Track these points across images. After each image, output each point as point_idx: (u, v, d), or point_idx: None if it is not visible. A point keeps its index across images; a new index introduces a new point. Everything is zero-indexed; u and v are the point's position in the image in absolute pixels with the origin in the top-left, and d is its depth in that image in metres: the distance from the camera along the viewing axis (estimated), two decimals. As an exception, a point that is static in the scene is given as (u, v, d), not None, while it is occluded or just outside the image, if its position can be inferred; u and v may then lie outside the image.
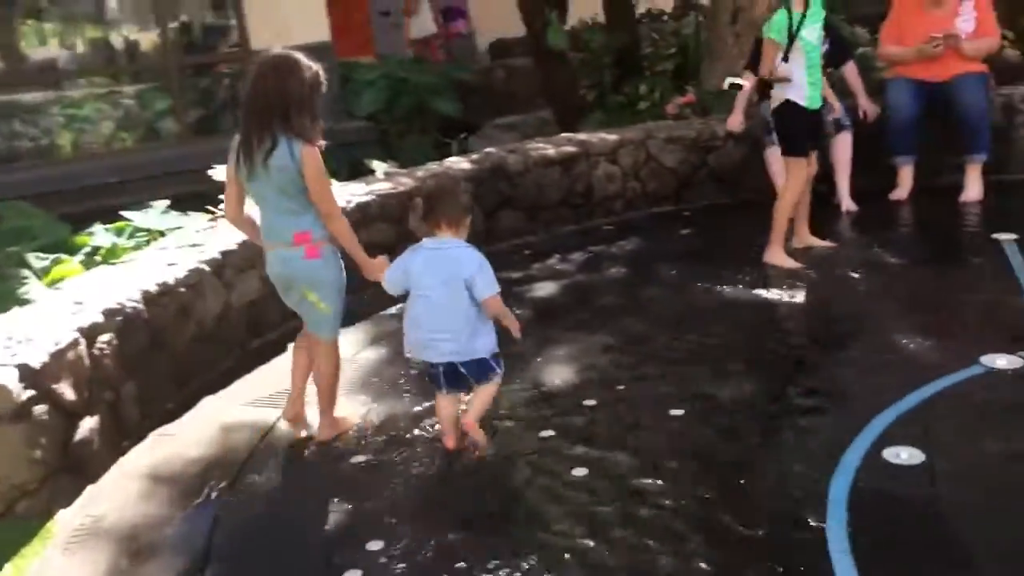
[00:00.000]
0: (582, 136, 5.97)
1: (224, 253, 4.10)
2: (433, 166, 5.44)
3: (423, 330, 3.11)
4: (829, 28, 5.72)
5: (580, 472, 3.02)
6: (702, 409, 3.38)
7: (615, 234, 5.62)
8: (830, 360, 3.75)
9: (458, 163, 5.50)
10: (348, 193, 4.89)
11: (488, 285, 3.06)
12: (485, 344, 3.12)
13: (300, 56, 3.16)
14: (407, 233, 5.01)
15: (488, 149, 5.79)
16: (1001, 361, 3.51)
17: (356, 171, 7.30)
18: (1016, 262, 4.48)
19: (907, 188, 5.64)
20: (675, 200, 6.02)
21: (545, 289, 4.84)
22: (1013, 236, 4.77)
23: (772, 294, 4.41)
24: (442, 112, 8.56)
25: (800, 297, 4.35)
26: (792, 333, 4.05)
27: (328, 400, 3.38)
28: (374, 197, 4.87)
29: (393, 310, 4.61)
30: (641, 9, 12.18)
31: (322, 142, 3.16)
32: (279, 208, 3.15)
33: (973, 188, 5.53)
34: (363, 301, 4.75)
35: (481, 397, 3.20)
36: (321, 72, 3.21)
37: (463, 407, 3.26)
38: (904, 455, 2.97)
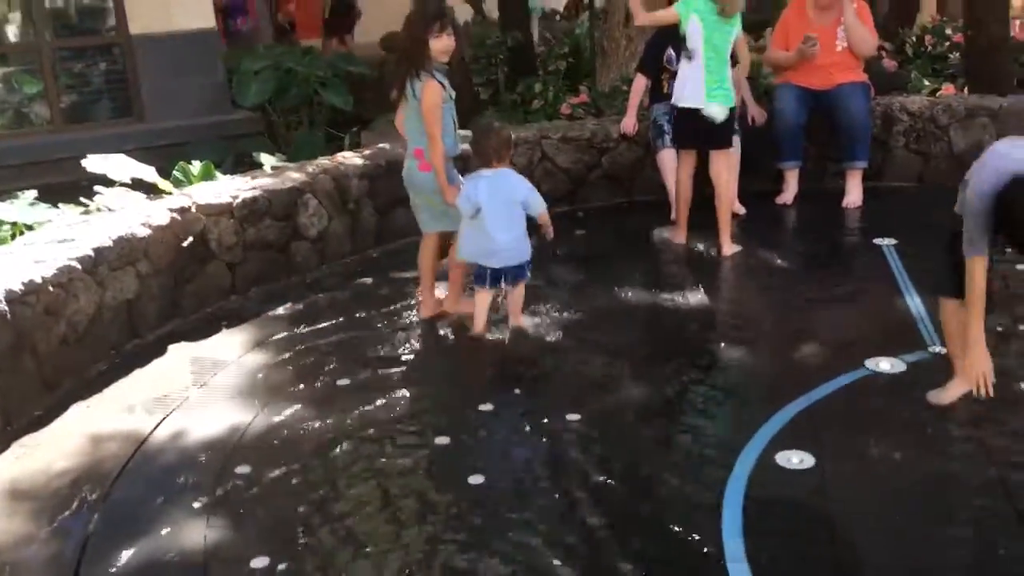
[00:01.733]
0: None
1: (97, 250, 3.85)
2: (324, 161, 5.26)
3: (496, 243, 3.88)
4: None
5: (476, 480, 2.95)
6: (597, 414, 3.36)
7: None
8: (722, 364, 3.79)
9: (351, 158, 5.33)
10: (233, 188, 4.68)
11: (539, 203, 3.96)
12: (528, 246, 3.99)
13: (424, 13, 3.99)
14: (297, 229, 4.88)
15: (381, 145, 5.63)
16: (884, 364, 3.61)
17: (243, 164, 7.05)
18: (896, 266, 4.63)
19: (792, 192, 5.78)
20: (569, 200, 6.00)
21: (440, 291, 4.73)
22: (893, 241, 4.93)
23: (664, 296, 4.44)
24: (333, 105, 8.34)
25: (692, 300, 4.39)
26: (685, 336, 4.06)
27: (426, 281, 4.26)
28: (261, 192, 4.68)
29: (280, 311, 4.46)
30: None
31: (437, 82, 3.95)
32: (410, 128, 4.08)
33: (853, 193, 5.71)
34: (249, 301, 4.59)
35: (515, 298, 4.07)
36: (439, 25, 3.92)
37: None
38: (795, 459, 3.01)
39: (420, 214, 4.24)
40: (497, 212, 3.85)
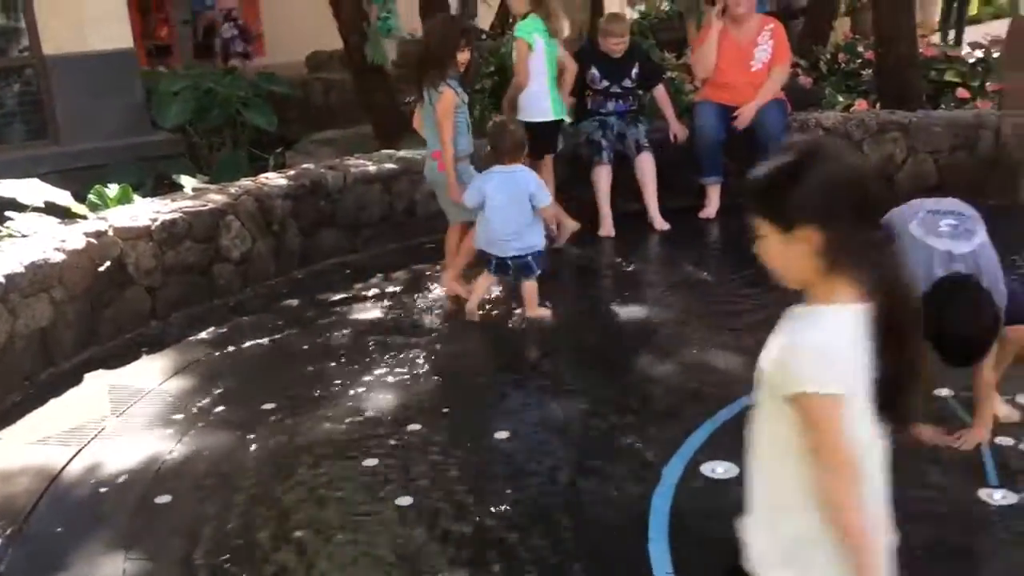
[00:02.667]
0: (403, 153, 5.87)
1: (8, 276, 3.72)
2: (247, 182, 5.19)
3: (495, 232, 4.21)
4: (639, 52, 5.96)
5: (404, 501, 2.93)
6: (526, 431, 3.36)
7: (439, 253, 5.54)
8: (648, 378, 3.82)
9: (274, 179, 5.26)
10: (152, 210, 4.57)
11: (545, 197, 4.28)
12: (537, 239, 4.28)
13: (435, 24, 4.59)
14: (219, 252, 4.79)
15: (306, 165, 5.58)
16: (805, 374, 3.68)
17: (163, 186, 6.91)
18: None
19: (715, 207, 5.89)
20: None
21: (366, 311, 4.69)
22: (810, 253, 5.04)
23: (589, 310, 4.47)
24: (256, 125, 8.24)
25: (620, 315, 4.43)
26: (613, 351, 4.09)
27: (449, 263, 4.62)
28: (181, 215, 4.58)
29: (203, 335, 4.36)
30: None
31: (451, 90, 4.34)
32: (428, 131, 4.47)
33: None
34: (170, 326, 4.49)
35: (527, 291, 4.34)
36: (465, 40, 4.43)
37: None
38: (720, 469, 3.05)
39: (445, 207, 4.61)
40: (504, 205, 4.19)
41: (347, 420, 3.50)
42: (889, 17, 6.44)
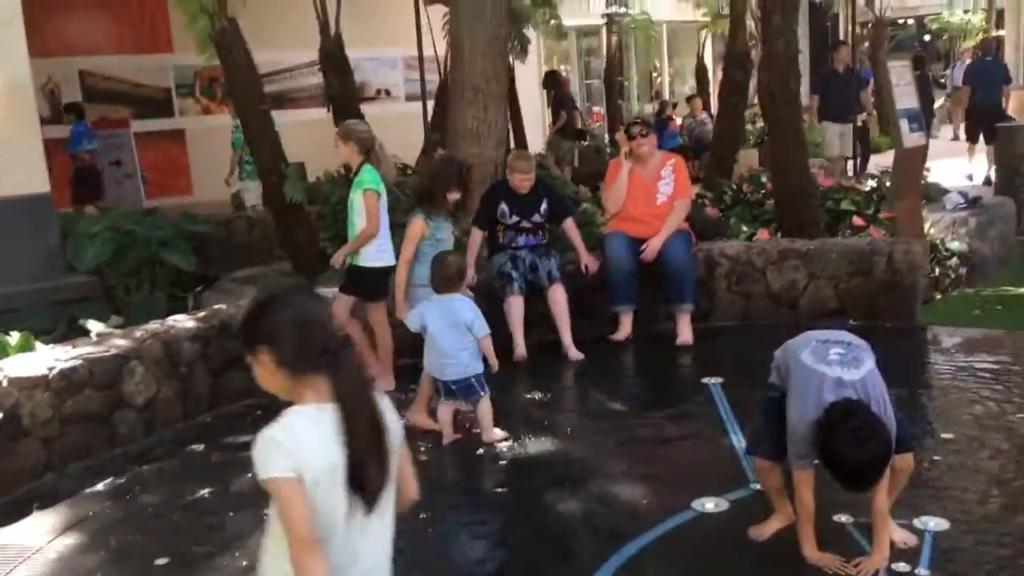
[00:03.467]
0: (320, 290, 5.88)
1: None
2: (153, 325, 5.13)
3: (435, 356, 4.43)
4: (545, 187, 6.16)
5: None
6: (424, 571, 3.29)
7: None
8: (550, 512, 3.78)
9: (183, 321, 5.22)
10: (51, 359, 4.48)
11: (481, 327, 4.43)
12: (475, 362, 4.42)
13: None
14: (122, 398, 4.69)
15: (216, 306, 5.56)
16: (710, 504, 3.70)
17: (76, 331, 6.77)
18: (722, 404, 4.82)
19: (626, 332, 6.00)
20: (414, 354, 6.01)
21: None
22: (719, 379, 5.15)
23: (503, 448, 4.44)
24: (175, 265, 8.20)
25: (522, 446, 4.42)
26: (514, 484, 4.06)
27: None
28: (81, 361, 4.49)
29: (100, 487, 4.22)
30: (399, 162, 12.58)
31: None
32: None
33: (684, 334, 5.97)
34: (65, 479, 4.33)
35: (481, 413, 4.48)
36: (444, 177, 5.07)
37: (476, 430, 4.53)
38: (623, 609, 3.01)
39: None
40: (445, 333, 4.41)
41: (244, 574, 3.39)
42: (781, 150, 6.80)
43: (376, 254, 5.14)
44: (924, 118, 7.09)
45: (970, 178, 10.87)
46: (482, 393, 4.46)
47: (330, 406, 1.83)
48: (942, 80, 18.60)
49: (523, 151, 6.44)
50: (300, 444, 1.80)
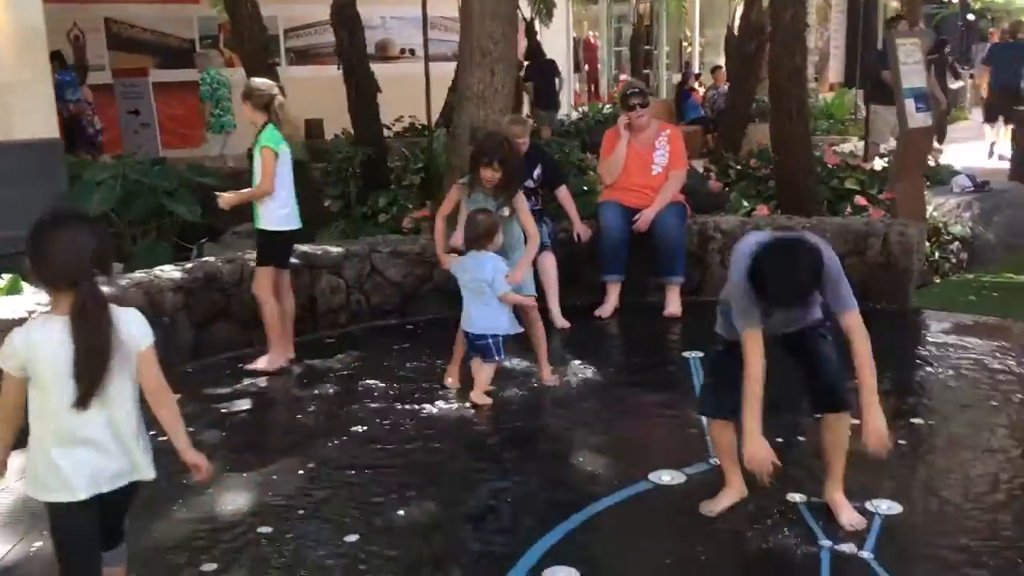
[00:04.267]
0: (305, 248, 5.92)
1: None
2: (139, 274, 5.19)
3: (464, 311, 4.61)
4: (541, 154, 6.13)
5: (234, 608, 2.87)
6: (376, 533, 3.33)
7: (335, 347, 5.57)
8: (509, 478, 3.81)
9: (168, 271, 5.28)
10: (33, 303, 4.55)
11: (500, 286, 4.49)
12: (495, 323, 4.52)
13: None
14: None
15: (204, 258, 5.61)
16: (666, 477, 3.70)
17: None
18: (697, 379, 4.80)
19: (612, 305, 5.98)
20: (400, 313, 6.07)
21: (250, 406, 4.68)
22: (700, 354, 5.12)
23: (471, 411, 4.47)
24: (180, 216, 8.26)
25: (496, 415, 4.44)
26: (481, 451, 4.09)
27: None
28: (62, 307, 4.56)
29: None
30: (404, 123, 12.56)
31: None
32: None
33: (672, 305, 5.95)
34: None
35: (479, 373, 4.58)
36: (487, 160, 4.65)
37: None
38: (561, 575, 3.04)
39: None
40: (469, 288, 4.56)
41: (192, 523, 3.45)
42: (784, 126, 6.70)
43: (279, 217, 5.00)
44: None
45: (1000, 157, 10.62)
46: (497, 358, 4.56)
47: (62, 316, 2.36)
48: (964, 68, 18.19)
49: (518, 115, 6.38)
50: (31, 345, 2.36)
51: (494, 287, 4.50)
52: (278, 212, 4.99)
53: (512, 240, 4.73)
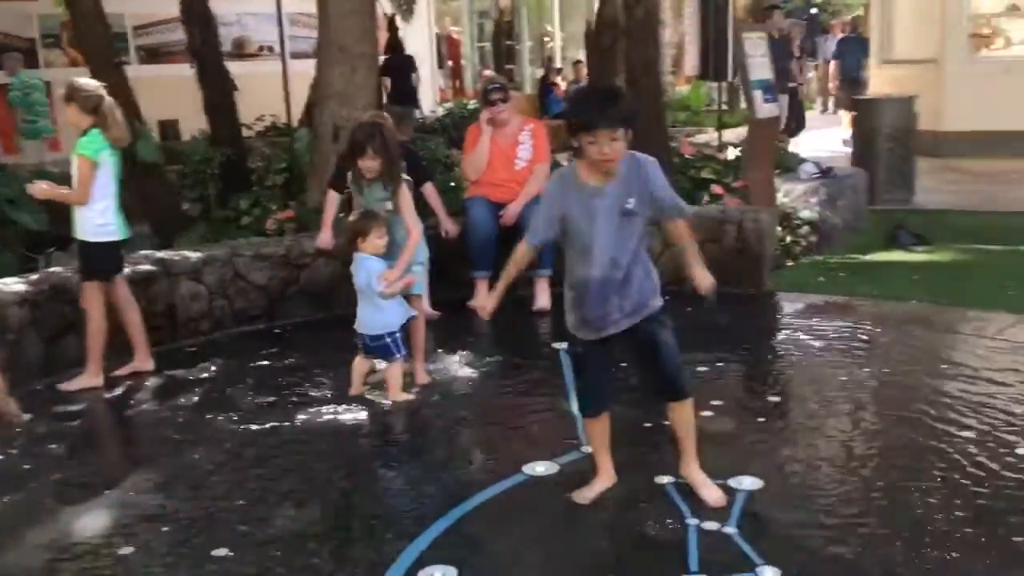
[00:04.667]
0: (161, 254, 5.70)
1: None
2: (-21, 288, 4.88)
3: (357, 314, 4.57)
4: (405, 150, 6.07)
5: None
6: (247, 548, 3.24)
7: (198, 356, 5.38)
8: (382, 482, 3.78)
9: (11, 284, 4.97)
10: None
11: (379, 284, 4.44)
12: (387, 318, 4.50)
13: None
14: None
15: (52, 268, 5.32)
16: (540, 468, 3.74)
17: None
18: (568, 370, 4.88)
19: (482, 298, 6.00)
20: (267, 318, 5.92)
21: (105, 420, 4.47)
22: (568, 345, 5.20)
23: (341, 416, 4.40)
24: (24, 225, 7.80)
25: (365, 416, 4.40)
26: (352, 459, 4.01)
27: None
28: None
29: None
30: (266, 123, 12.24)
31: None
32: None
33: (542, 298, 6.03)
34: None
35: (389, 376, 4.56)
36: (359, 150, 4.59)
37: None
38: (438, 574, 3.03)
39: None
40: (358, 290, 4.54)
41: (45, 547, 3.28)
42: (641, 119, 6.87)
43: (97, 227, 4.77)
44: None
45: (844, 142, 11.26)
46: (397, 355, 4.54)
47: None
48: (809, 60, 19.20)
49: (379, 111, 6.30)
50: None
51: (372, 288, 4.47)
52: (95, 222, 4.76)
53: (398, 237, 4.68)
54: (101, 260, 4.86)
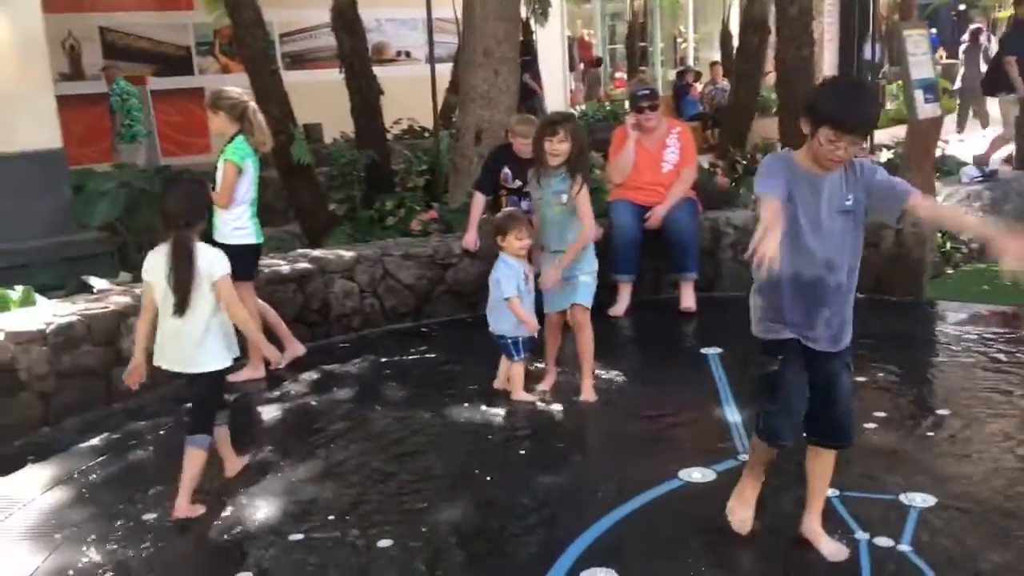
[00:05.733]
0: (317, 252, 5.89)
1: None
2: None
3: None
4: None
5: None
6: (410, 539, 3.31)
7: (351, 352, 5.54)
8: (540, 481, 3.77)
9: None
10: (50, 314, 4.52)
11: (506, 288, 4.45)
12: (503, 326, 4.53)
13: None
14: (120, 354, 4.73)
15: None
16: (696, 474, 3.69)
17: (88, 286, 6.83)
18: (719, 375, 4.79)
19: (625, 304, 5.96)
20: (414, 316, 6.05)
21: (271, 412, 4.65)
22: (718, 350, 5.12)
23: (495, 416, 4.44)
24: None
25: (521, 419, 4.42)
26: (507, 456, 4.04)
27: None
28: (79, 317, 4.53)
29: (95, 442, 4.28)
30: (403, 126, 12.56)
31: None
32: None
33: (687, 300, 5.94)
34: (62, 433, 4.39)
35: (512, 376, 4.61)
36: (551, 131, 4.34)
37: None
38: (602, 574, 3.02)
39: None
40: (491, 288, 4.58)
41: (225, 528, 3.43)
42: (793, 120, 6.68)
43: (231, 231, 4.84)
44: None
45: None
46: (516, 357, 4.55)
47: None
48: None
49: (526, 115, 6.34)
50: (149, 265, 3.49)
51: (500, 290, 4.48)
52: (233, 226, 4.86)
53: (570, 237, 4.41)
54: (236, 262, 4.95)
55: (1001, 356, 4.89)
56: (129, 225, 8.25)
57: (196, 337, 3.45)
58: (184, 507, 3.51)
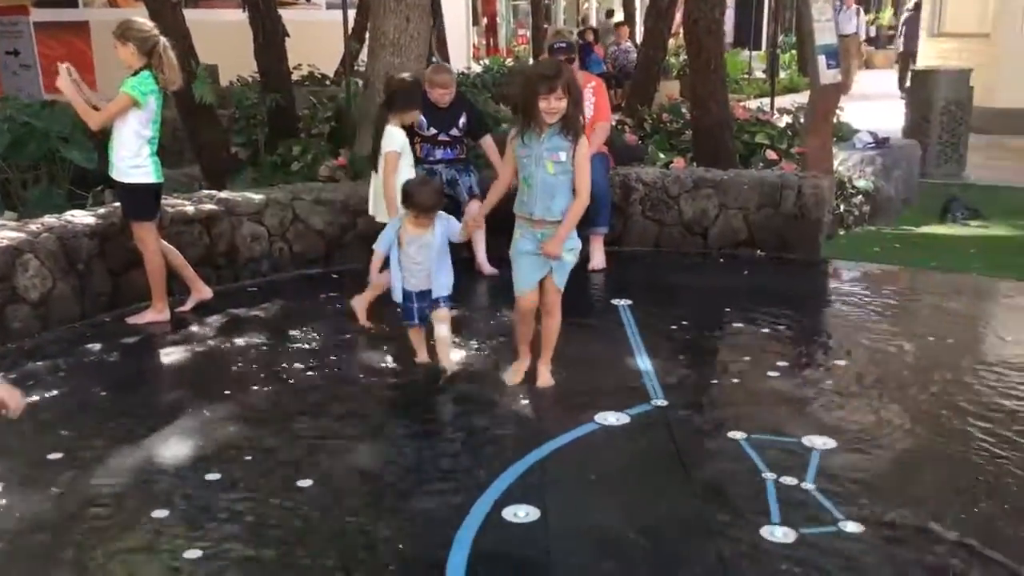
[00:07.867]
0: (224, 194, 5.72)
1: None
2: (50, 219, 4.92)
3: None
4: (466, 103, 6.06)
5: (193, 554, 2.80)
6: (331, 481, 3.29)
7: (260, 296, 5.43)
8: (455, 426, 3.81)
9: (81, 217, 5.01)
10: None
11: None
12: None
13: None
14: (15, 292, 4.51)
15: (117, 204, 5.34)
16: (611, 418, 3.78)
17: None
18: (629, 325, 4.90)
19: (602, 256, 5.99)
20: (324, 262, 5.95)
21: (175, 354, 4.52)
22: (628, 301, 5.23)
23: (409, 363, 4.43)
24: (75, 162, 7.83)
25: (437, 366, 4.42)
26: (424, 400, 4.05)
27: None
28: (-30, 253, 4.29)
29: None
30: (304, 72, 12.22)
31: None
32: None
33: (596, 257, 6.03)
34: None
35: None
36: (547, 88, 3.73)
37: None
38: (522, 513, 3.07)
39: None
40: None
41: (137, 470, 3.34)
42: (703, 82, 6.83)
43: (128, 168, 4.71)
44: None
45: None
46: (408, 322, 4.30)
47: None
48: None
49: (443, 64, 6.29)
50: None
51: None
52: (131, 163, 4.69)
53: (548, 196, 3.90)
54: (135, 201, 4.78)
55: (896, 312, 5.16)
56: (13, 162, 7.81)
57: None
58: None
